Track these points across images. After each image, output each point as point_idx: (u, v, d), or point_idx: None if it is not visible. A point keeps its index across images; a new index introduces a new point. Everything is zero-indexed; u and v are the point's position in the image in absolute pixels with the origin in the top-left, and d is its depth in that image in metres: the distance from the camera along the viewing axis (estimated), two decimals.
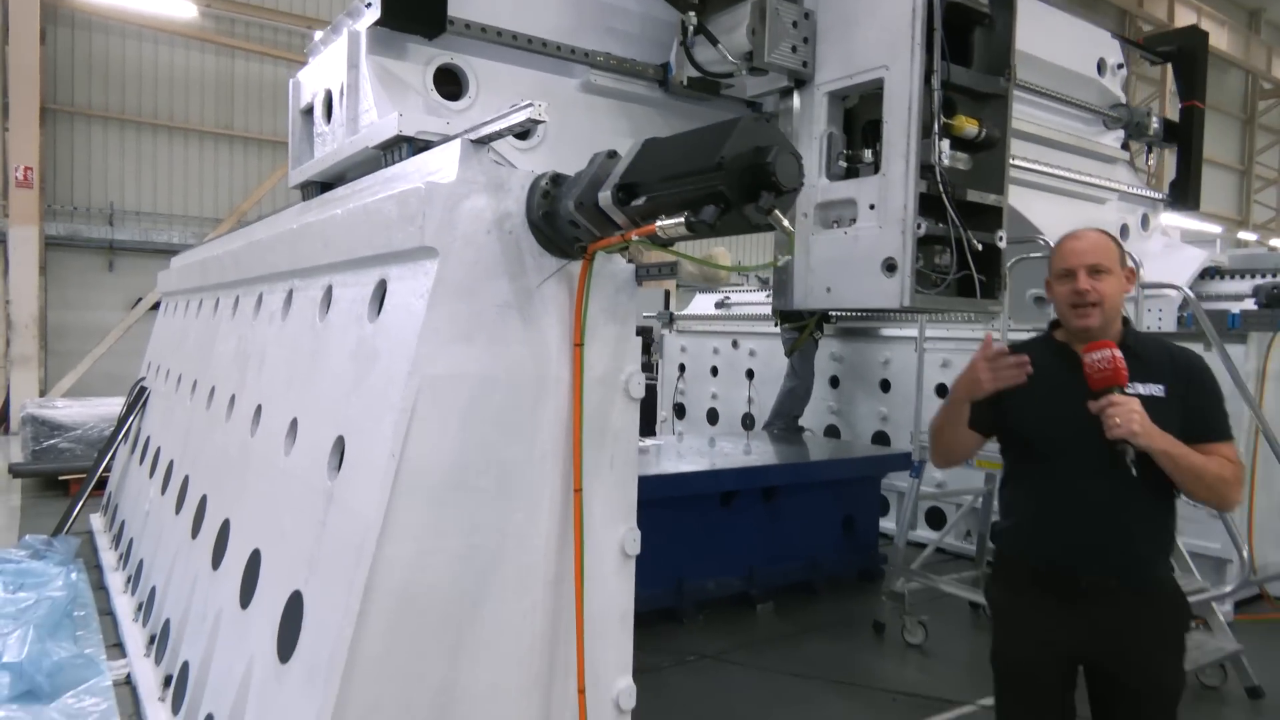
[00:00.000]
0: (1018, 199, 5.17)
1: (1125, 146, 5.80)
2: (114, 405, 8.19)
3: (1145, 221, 5.91)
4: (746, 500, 5.55)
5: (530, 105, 2.11)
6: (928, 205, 3.03)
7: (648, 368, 11.38)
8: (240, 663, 2.82)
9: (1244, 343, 5.26)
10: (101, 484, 6.67)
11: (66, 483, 8.07)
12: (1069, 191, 5.35)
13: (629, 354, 2.70)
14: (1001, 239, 3.20)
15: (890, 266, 2.97)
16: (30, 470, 8.31)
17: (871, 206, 3.07)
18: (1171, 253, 5.79)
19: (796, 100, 3.35)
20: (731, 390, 9.00)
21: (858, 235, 3.12)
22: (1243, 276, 5.65)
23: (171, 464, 4.78)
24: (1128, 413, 2.16)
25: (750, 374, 8.72)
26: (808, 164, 3.35)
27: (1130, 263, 2.47)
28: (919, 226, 2.93)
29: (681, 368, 9.63)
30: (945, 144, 3.00)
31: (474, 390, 2.43)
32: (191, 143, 15.05)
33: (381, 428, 2.39)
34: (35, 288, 12.74)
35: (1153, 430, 2.17)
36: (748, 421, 8.49)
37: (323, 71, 3.50)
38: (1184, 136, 5.76)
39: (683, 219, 1.87)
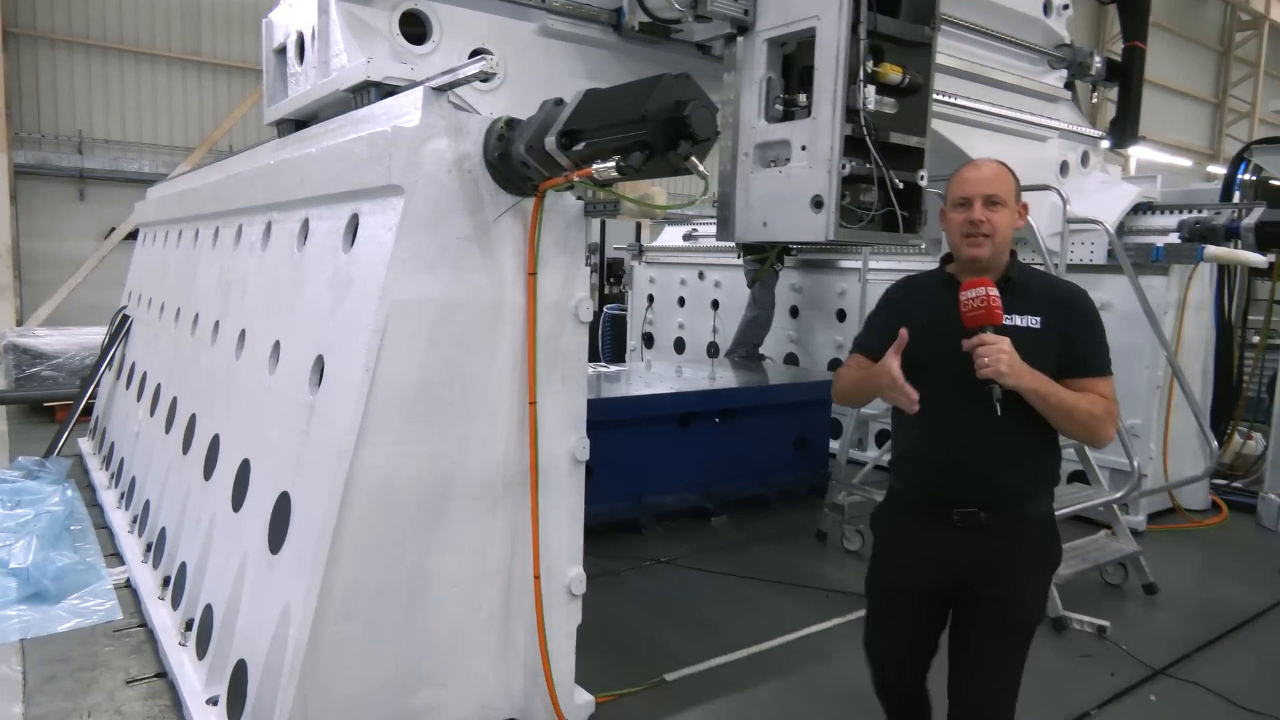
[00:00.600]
0: (961, 136, 5.46)
1: (1070, 86, 6.06)
2: (94, 334, 8.41)
3: (1085, 159, 6.21)
4: (704, 422, 5.93)
5: (484, 58, 2.37)
6: (854, 146, 3.31)
7: (619, 298, 11.70)
8: (235, 559, 3.16)
9: (1166, 275, 5.64)
10: (88, 410, 6.94)
11: (51, 409, 8.33)
12: (1012, 129, 5.62)
13: (578, 282, 3.01)
14: (923, 178, 3.50)
15: (818, 203, 3.27)
16: (15, 397, 8.54)
17: (803, 148, 3.35)
18: (1107, 189, 6.11)
19: (739, 46, 3.60)
20: (697, 320, 9.34)
21: (790, 174, 3.41)
22: (1172, 212, 5.99)
23: (159, 387, 5.06)
24: (996, 352, 2.17)
25: (715, 304, 9.05)
26: (749, 107, 3.62)
27: (1025, 199, 2.46)
28: (844, 166, 3.22)
29: (650, 298, 9.93)
30: (871, 90, 3.27)
31: (438, 313, 2.74)
32: (159, 69, 14.86)
33: (356, 347, 2.70)
34: (7, 217, 12.73)
35: (1021, 370, 2.19)
36: (712, 350, 8.85)
37: (294, 13, 3.69)
38: (1125, 76, 6.02)
39: (614, 163, 2.16)
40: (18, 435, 7.88)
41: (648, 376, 6.71)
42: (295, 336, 3.24)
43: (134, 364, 6.04)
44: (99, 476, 5.94)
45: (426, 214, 2.68)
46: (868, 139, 3.27)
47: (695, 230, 9.25)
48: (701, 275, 9.24)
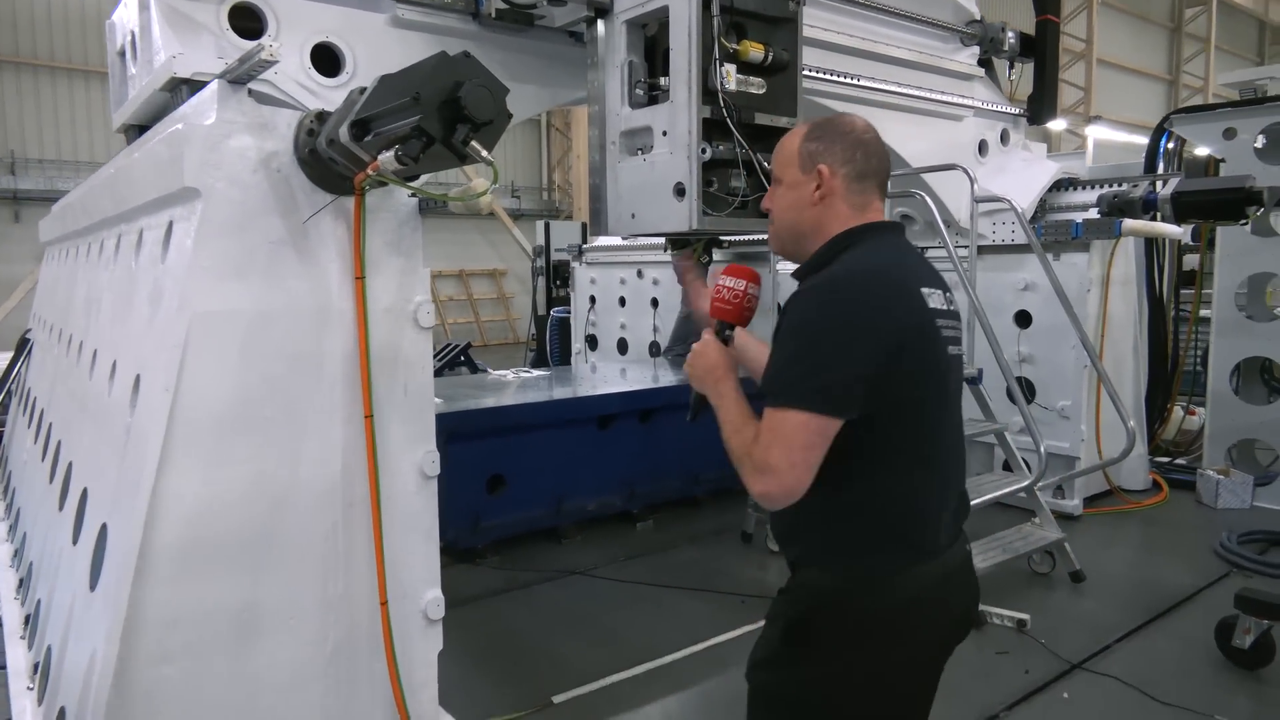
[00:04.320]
0: (872, 120, 5.30)
1: (986, 64, 5.92)
2: None
3: (1005, 137, 6.08)
4: (625, 422, 5.74)
5: (262, 44, 2.17)
6: (717, 129, 3.14)
7: (564, 301, 11.49)
8: (69, 596, 2.95)
9: (1088, 251, 5.52)
10: None
11: None
12: (922, 110, 5.48)
13: (417, 285, 2.81)
14: None
15: (680, 191, 3.10)
16: None
17: (664, 133, 3.17)
18: (1028, 167, 5.98)
19: (600, 29, 3.41)
20: (638, 319, 9.16)
21: (654, 162, 3.23)
22: (1094, 186, 5.87)
23: (41, 413, 4.83)
24: (693, 352, 1.87)
25: (655, 302, 8.87)
26: (613, 93, 3.44)
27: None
28: (704, 151, 3.05)
29: (592, 299, 9.75)
30: (731, 69, 3.10)
31: (251, 325, 2.53)
32: (93, 85, 14.54)
33: (161, 364, 2.49)
34: None
35: (701, 373, 1.83)
36: (654, 349, 8.67)
37: (128, 12, 3.47)
38: (1039, 51, 5.89)
39: (394, 154, 1.97)
40: None
41: (563, 377, 6.53)
42: (125, 355, 3.03)
43: (29, 389, 5.80)
44: None
45: (230, 218, 2.47)
46: (729, 121, 3.09)
47: None
48: (640, 274, 9.06)
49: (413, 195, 2.50)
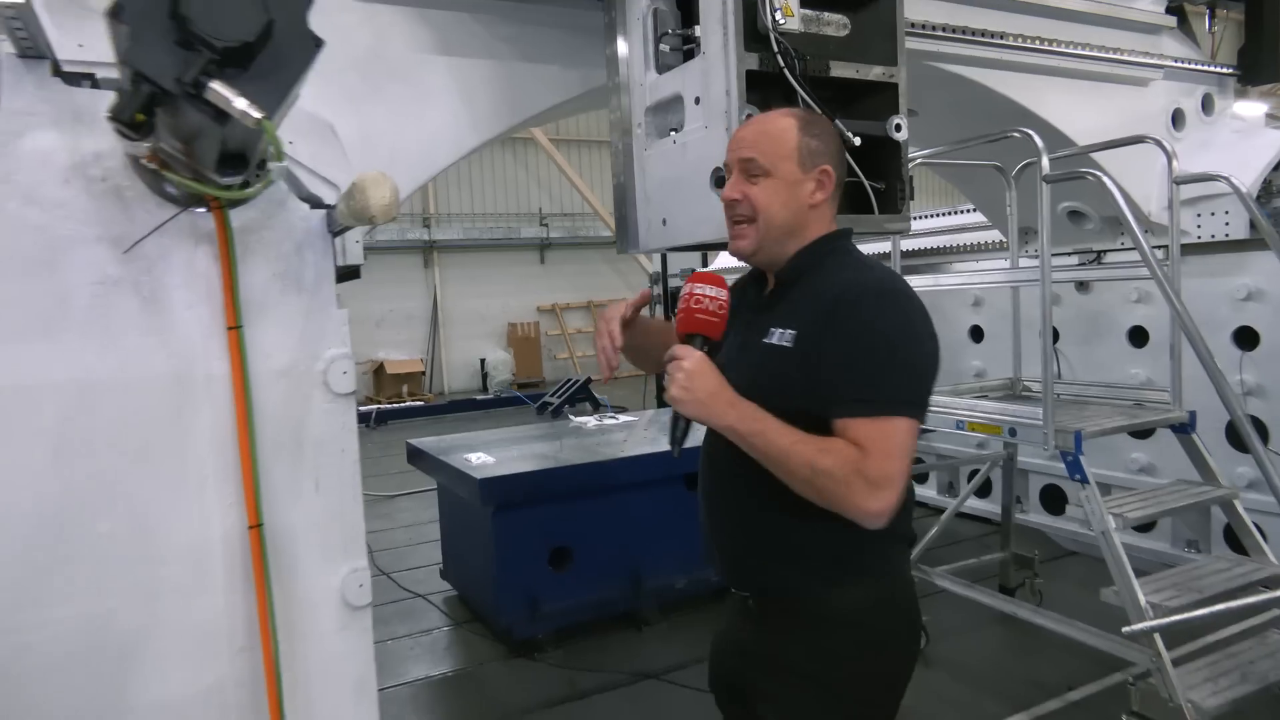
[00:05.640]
0: (1024, 91, 4.12)
1: (1176, 12, 4.59)
2: None
3: (1207, 104, 4.69)
4: None
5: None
6: (774, 88, 2.15)
7: None
8: None
9: None
10: None
11: None
12: (1095, 74, 4.24)
13: (329, 333, 1.97)
14: (899, 128, 2.28)
15: (719, 180, 2.12)
16: None
17: (697, 100, 2.21)
18: (1243, 140, 4.57)
19: None
20: None
21: (686, 143, 2.27)
22: None
23: None
24: (672, 377, 1.54)
25: None
26: (636, 56, 2.51)
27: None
28: (747, 117, 2.06)
29: None
30: (790, 2, 2.11)
31: (69, 403, 1.76)
32: None
33: None
34: None
35: (704, 396, 1.52)
36: None
37: None
38: None
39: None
40: None
41: (662, 425, 5.57)
42: None
43: None
44: None
45: (28, 251, 1.72)
46: (787, 74, 2.10)
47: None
48: None
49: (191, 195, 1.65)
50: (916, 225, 6.68)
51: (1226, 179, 3.41)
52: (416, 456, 4.98)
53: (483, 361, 16.15)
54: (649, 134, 2.45)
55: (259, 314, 1.88)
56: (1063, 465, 3.26)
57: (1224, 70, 4.70)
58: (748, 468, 1.55)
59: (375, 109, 2.71)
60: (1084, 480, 3.12)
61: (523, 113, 2.91)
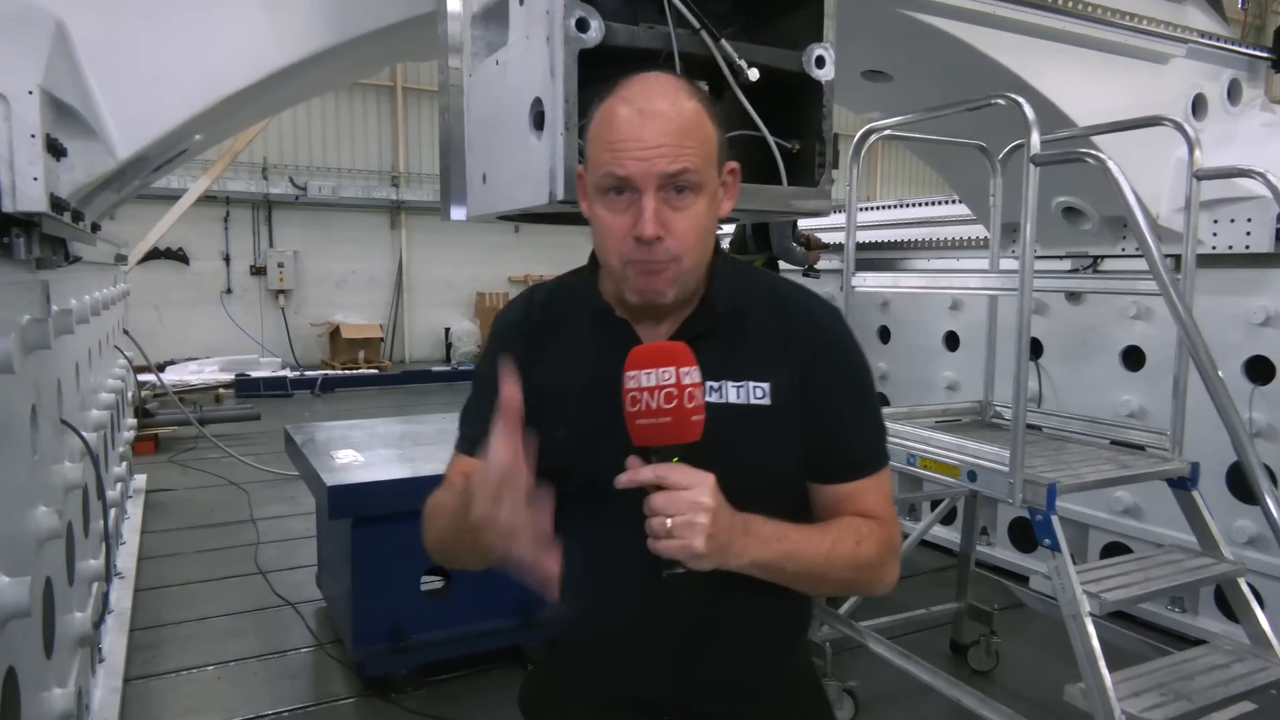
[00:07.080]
0: (1019, 57, 3.42)
1: None
2: None
3: (1234, 91, 4.01)
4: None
5: None
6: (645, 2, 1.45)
7: None
8: None
9: None
10: None
11: None
12: (1105, 44, 3.55)
13: None
14: (821, 61, 1.58)
15: (539, 119, 1.42)
16: None
17: (521, 3, 1.50)
18: (1273, 135, 3.91)
19: None
20: None
21: (507, 61, 1.57)
22: None
23: None
24: (685, 508, 1.06)
25: None
26: None
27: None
28: (583, 26, 1.36)
29: None
30: None
31: None
32: None
33: None
34: None
35: (735, 541, 1.12)
36: None
37: None
38: None
39: None
40: None
41: None
42: None
43: None
44: None
45: None
46: None
47: None
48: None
49: None
50: (887, 215, 5.98)
51: (1263, 175, 2.72)
52: (290, 447, 4.28)
53: (447, 331, 15.44)
54: (476, 53, 1.74)
55: None
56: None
57: (1257, 53, 4.01)
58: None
59: (134, 7, 2.02)
60: (1054, 548, 2.46)
61: (345, 31, 2.20)
